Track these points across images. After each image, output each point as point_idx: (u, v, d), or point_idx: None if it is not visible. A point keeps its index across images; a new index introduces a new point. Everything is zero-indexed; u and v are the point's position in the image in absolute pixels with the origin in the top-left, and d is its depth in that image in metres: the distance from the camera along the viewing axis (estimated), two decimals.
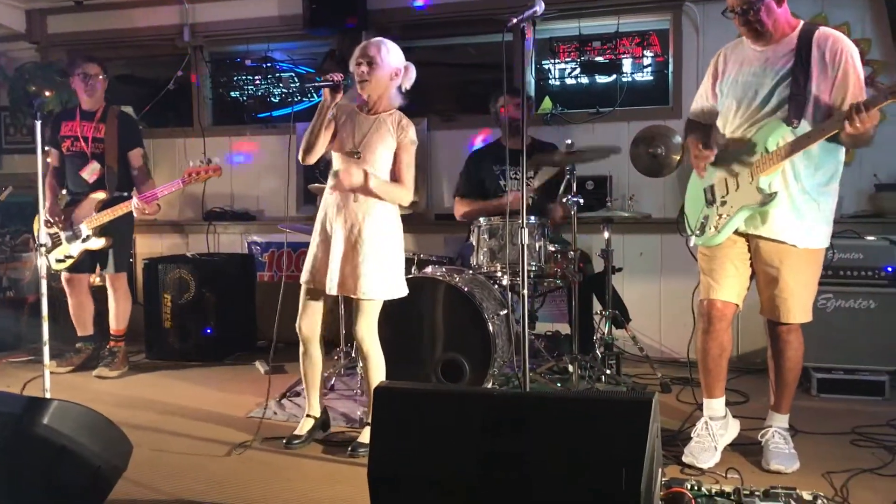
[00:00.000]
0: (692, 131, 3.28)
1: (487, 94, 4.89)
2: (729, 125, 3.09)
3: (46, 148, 4.80)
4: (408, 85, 3.38)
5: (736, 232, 3.07)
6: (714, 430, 3.13)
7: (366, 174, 3.21)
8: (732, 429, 3.23)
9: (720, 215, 3.07)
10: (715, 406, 3.19)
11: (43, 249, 3.43)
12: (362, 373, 3.77)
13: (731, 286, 3.09)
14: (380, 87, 3.29)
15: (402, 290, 3.39)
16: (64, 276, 4.82)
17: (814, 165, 2.94)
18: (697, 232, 3.19)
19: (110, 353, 4.83)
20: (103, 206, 4.61)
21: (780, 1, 2.91)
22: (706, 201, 3.16)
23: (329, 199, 3.35)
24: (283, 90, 5.90)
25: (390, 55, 3.29)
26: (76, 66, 4.73)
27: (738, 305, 3.12)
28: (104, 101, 4.83)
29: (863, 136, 2.77)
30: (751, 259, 3.10)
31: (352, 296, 3.28)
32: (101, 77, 4.74)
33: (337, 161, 3.36)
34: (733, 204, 3.03)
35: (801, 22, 3.00)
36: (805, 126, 2.86)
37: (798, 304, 3.03)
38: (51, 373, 4.63)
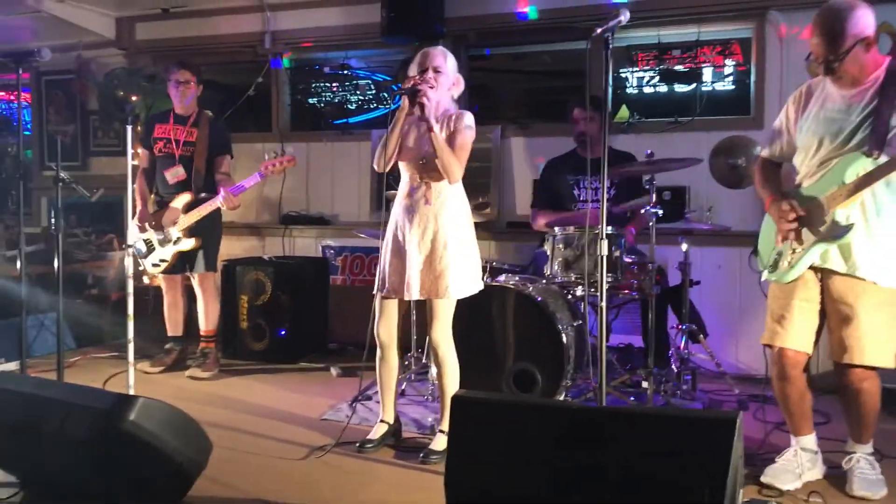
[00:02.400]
0: (766, 178, 3.15)
1: (562, 102, 4.85)
2: (808, 160, 2.97)
3: (140, 150, 4.94)
4: (457, 95, 3.44)
5: (811, 268, 2.94)
6: (803, 460, 3.04)
7: (430, 127, 3.20)
8: (819, 469, 3.11)
9: (794, 250, 2.95)
10: (805, 442, 3.08)
11: (131, 250, 3.53)
12: (434, 378, 3.79)
13: (800, 333, 2.96)
14: (441, 94, 3.33)
15: (479, 284, 3.45)
16: (161, 277, 4.91)
17: None
18: (770, 267, 3.06)
19: (202, 354, 4.88)
20: (189, 207, 4.70)
21: (869, 47, 2.78)
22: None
23: (399, 208, 3.40)
24: (360, 97, 5.98)
25: (453, 64, 3.37)
26: (170, 72, 4.84)
27: (808, 354, 2.99)
28: (197, 106, 4.90)
29: None
30: (822, 299, 2.96)
31: (434, 298, 3.30)
32: (192, 83, 4.81)
33: (404, 169, 3.40)
34: (808, 238, 2.91)
35: (888, 59, 2.87)
36: (885, 158, 2.75)
37: (874, 345, 2.84)
38: (145, 372, 4.81)
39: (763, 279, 3.14)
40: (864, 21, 2.77)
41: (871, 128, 2.78)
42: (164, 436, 2.64)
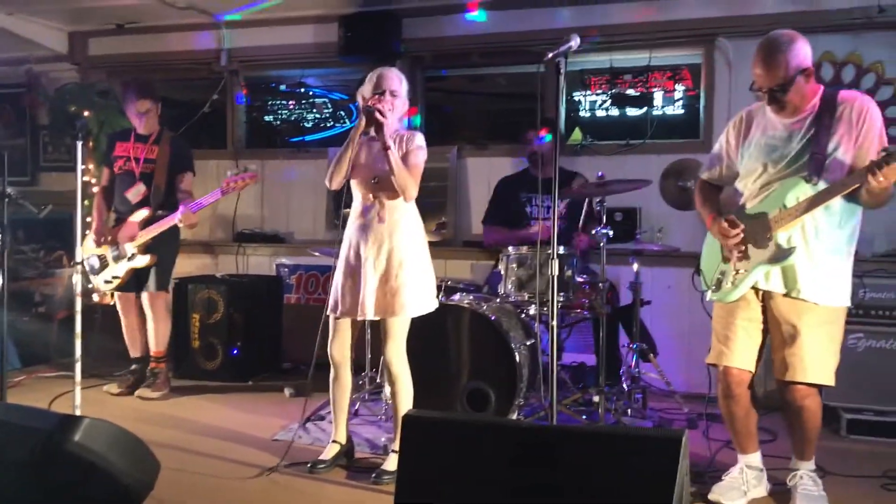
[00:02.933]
0: (705, 198, 3.24)
1: (518, 124, 4.91)
2: (751, 184, 3.06)
3: (91, 166, 4.85)
4: (402, 114, 3.48)
5: (753, 288, 3.02)
6: (748, 478, 3.11)
7: (387, 146, 3.22)
8: (764, 486, 3.19)
9: (737, 271, 3.03)
10: (751, 460, 3.16)
11: (79, 267, 3.47)
12: (388, 398, 3.78)
13: (744, 352, 3.04)
14: (395, 117, 3.37)
15: (434, 303, 3.46)
16: (117, 296, 4.83)
17: (836, 223, 2.92)
18: (713, 287, 3.14)
19: (152, 374, 4.80)
20: (146, 223, 4.63)
21: (808, 77, 2.89)
22: (723, 257, 3.12)
23: (352, 228, 3.41)
24: (317, 116, 5.98)
25: (406, 87, 3.42)
26: (129, 103, 4.77)
27: (752, 372, 3.07)
28: (158, 124, 4.85)
29: (882, 194, 2.76)
30: (764, 320, 3.05)
31: (389, 317, 3.31)
32: (152, 111, 4.77)
33: (356, 189, 3.41)
34: (751, 260, 2.99)
35: (822, 88, 2.98)
36: (824, 184, 2.85)
37: (816, 363, 2.92)
38: (113, 394, 4.72)
39: (707, 299, 3.21)
40: (804, 53, 2.88)
41: (810, 155, 2.88)
42: (110, 456, 2.59)
